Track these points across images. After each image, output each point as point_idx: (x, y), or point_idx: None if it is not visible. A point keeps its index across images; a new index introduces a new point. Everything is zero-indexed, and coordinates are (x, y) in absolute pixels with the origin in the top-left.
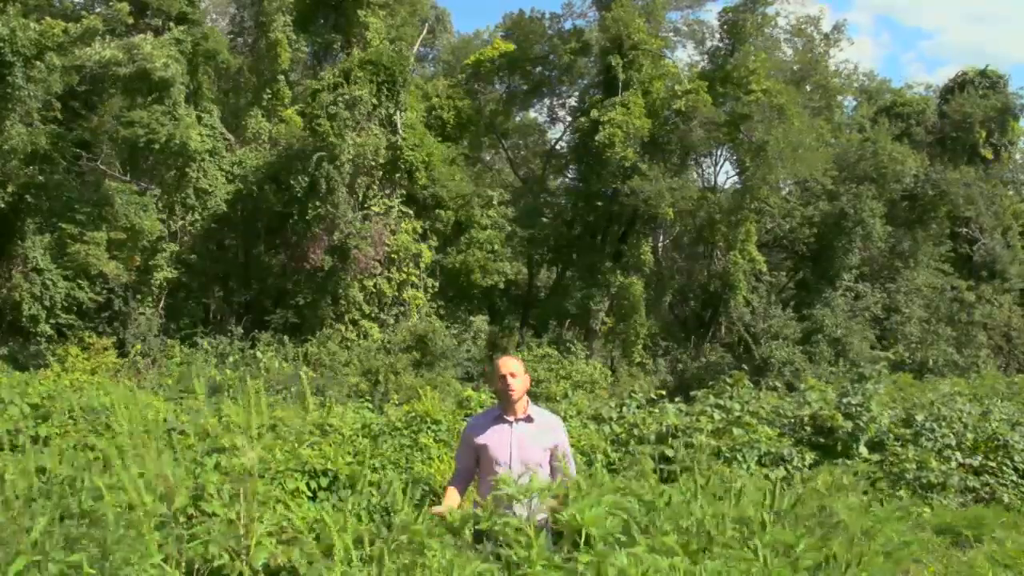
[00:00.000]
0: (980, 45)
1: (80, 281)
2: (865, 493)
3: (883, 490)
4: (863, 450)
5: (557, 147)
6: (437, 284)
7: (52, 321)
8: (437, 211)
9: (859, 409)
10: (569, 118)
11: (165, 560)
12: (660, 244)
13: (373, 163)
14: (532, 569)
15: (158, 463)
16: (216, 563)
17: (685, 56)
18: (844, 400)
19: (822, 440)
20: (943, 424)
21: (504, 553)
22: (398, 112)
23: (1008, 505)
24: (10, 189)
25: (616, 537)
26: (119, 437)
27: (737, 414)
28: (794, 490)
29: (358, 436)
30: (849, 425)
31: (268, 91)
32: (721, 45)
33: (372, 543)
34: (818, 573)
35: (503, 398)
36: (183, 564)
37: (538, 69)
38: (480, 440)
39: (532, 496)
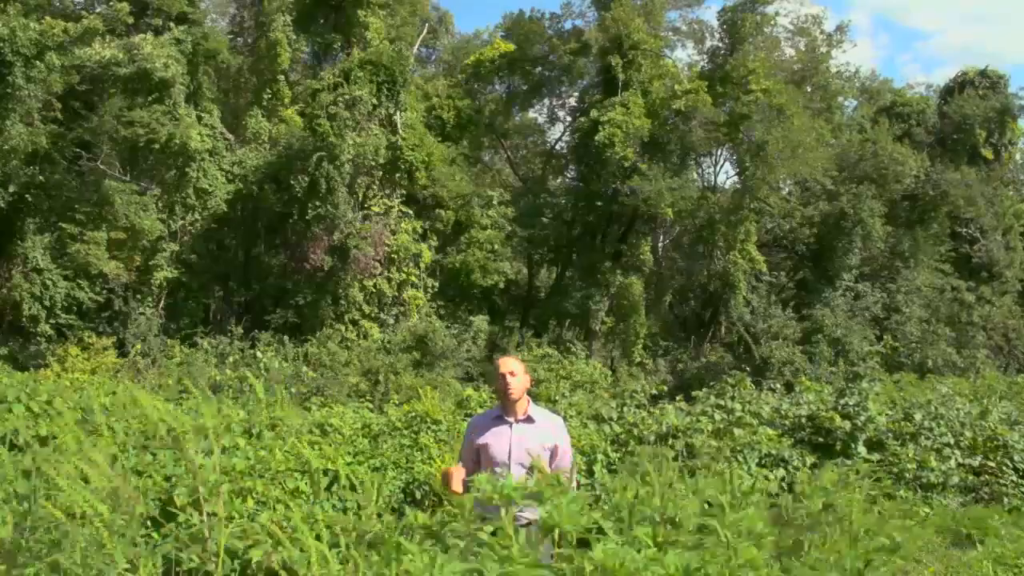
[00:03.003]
0: (979, 45)
1: (80, 281)
2: (870, 491)
3: (888, 487)
4: (862, 449)
5: (557, 147)
6: (437, 284)
7: (52, 321)
8: (437, 211)
9: (856, 409)
10: (569, 118)
11: (131, 567)
12: (660, 244)
13: (373, 163)
14: (511, 567)
15: (112, 469)
16: (185, 567)
17: (685, 56)
18: (841, 400)
19: (821, 440)
20: (941, 423)
21: (485, 551)
22: (398, 112)
23: (1008, 505)
24: (10, 189)
25: (591, 534)
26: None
27: (738, 415)
28: (797, 489)
29: (358, 436)
30: (847, 425)
31: (268, 91)
32: (721, 45)
33: (348, 545)
34: (824, 573)
35: (502, 397)
36: (156, 566)
37: (538, 69)
38: (480, 440)
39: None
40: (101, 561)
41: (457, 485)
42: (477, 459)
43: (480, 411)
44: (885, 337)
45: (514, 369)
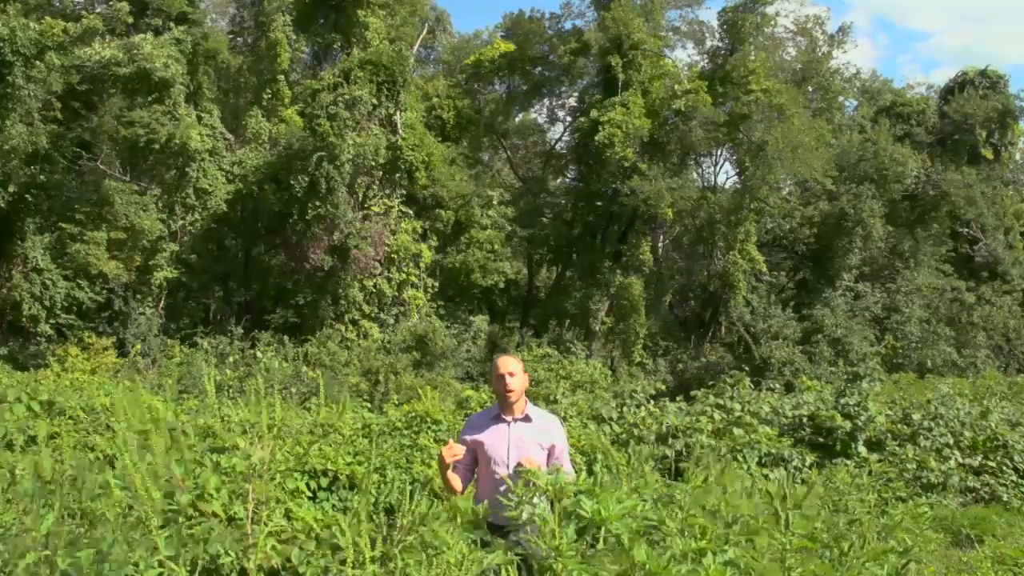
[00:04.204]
0: (978, 46)
1: (80, 281)
2: (880, 493)
3: (900, 488)
4: (862, 449)
5: (557, 147)
6: (437, 284)
7: (52, 321)
8: (437, 211)
9: (856, 409)
10: (569, 118)
11: (171, 557)
12: (660, 244)
13: (373, 163)
14: (559, 558)
15: (166, 458)
16: (222, 560)
17: (685, 56)
18: (841, 400)
19: (821, 440)
20: (940, 423)
21: (531, 543)
22: (398, 112)
23: (1008, 505)
24: (10, 189)
25: (638, 531)
26: (120, 435)
27: (738, 414)
28: (807, 485)
29: (358, 436)
30: (848, 425)
31: (268, 91)
32: (721, 45)
33: (383, 542)
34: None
35: (501, 397)
36: (187, 562)
37: (538, 69)
38: (478, 438)
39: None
40: (144, 547)
41: (453, 479)
42: (474, 456)
43: (479, 410)
44: (885, 337)
45: (513, 369)
